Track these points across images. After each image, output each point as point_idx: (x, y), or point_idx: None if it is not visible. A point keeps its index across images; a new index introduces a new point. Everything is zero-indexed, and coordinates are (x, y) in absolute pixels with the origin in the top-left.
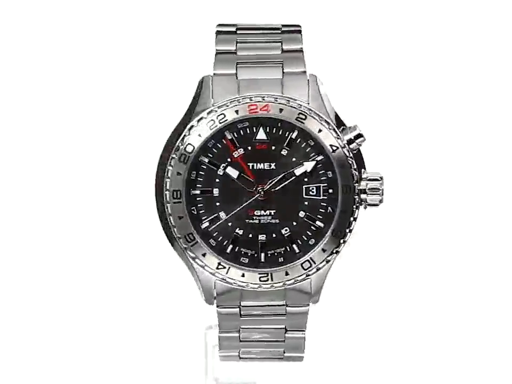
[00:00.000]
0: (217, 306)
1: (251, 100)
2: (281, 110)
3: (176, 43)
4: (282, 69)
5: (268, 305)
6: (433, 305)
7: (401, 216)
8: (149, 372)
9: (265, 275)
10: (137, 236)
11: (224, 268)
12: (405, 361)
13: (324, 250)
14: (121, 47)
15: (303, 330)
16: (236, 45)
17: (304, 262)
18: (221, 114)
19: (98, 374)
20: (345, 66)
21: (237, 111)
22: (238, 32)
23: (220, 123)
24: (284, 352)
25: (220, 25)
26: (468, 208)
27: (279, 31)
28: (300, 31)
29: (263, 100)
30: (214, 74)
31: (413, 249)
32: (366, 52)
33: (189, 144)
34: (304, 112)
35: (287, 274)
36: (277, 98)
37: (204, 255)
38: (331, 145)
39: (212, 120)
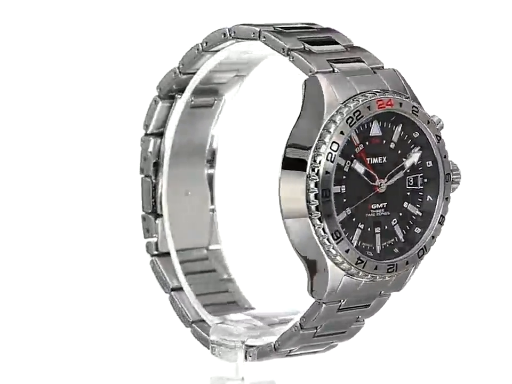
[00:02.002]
0: (325, 303)
1: (375, 95)
2: (401, 104)
3: None
4: (367, 65)
5: (364, 296)
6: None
7: None
8: (160, 368)
9: (392, 266)
10: None
11: (362, 262)
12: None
13: (433, 237)
14: None
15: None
16: (303, 44)
17: (419, 250)
18: (357, 111)
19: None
20: None
21: (369, 107)
22: (285, 31)
23: (357, 120)
24: (330, 343)
25: (259, 25)
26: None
27: (315, 30)
28: (331, 29)
29: (385, 94)
30: (317, 72)
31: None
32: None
33: (334, 142)
34: (415, 105)
35: (407, 263)
36: (394, 92)
37: (347, 251)
38: (437, 136)
39: (350, 117)
